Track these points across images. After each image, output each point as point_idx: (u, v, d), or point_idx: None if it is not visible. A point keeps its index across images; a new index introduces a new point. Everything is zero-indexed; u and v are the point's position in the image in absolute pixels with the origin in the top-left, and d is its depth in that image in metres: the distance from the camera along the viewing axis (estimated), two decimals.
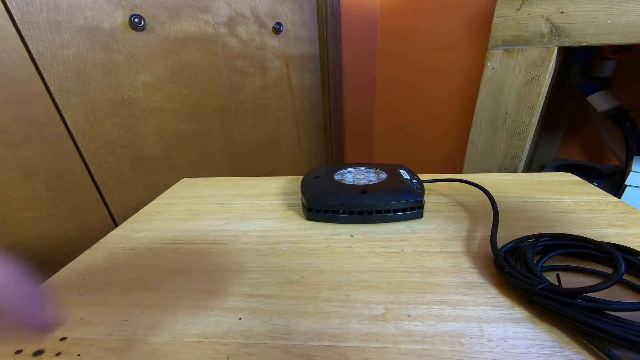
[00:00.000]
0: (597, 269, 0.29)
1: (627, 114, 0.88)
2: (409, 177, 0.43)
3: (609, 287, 0.22)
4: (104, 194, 0.81)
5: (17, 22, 0.61)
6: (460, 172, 1.09)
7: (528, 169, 1.06)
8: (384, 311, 0.26)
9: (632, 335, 0.20)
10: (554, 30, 0.67)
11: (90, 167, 0.77)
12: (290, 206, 0.45)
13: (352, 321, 0.25)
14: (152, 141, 0.87)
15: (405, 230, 0.38)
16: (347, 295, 0.28)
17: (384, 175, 0.44)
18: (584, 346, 0.22)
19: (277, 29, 1.03)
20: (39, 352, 0.23)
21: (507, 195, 0.45)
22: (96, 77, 0.73)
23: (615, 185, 0.86)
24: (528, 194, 0.46)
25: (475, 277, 0.29)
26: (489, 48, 0.74)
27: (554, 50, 0.69)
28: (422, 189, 0.41)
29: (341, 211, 0.39)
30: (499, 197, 0.45)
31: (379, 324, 0.25)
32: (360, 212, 0.39)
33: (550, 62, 0.70)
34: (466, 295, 0.27)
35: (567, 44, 0.67)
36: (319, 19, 1.13)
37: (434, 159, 1.41)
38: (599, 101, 0.89)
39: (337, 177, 0.44)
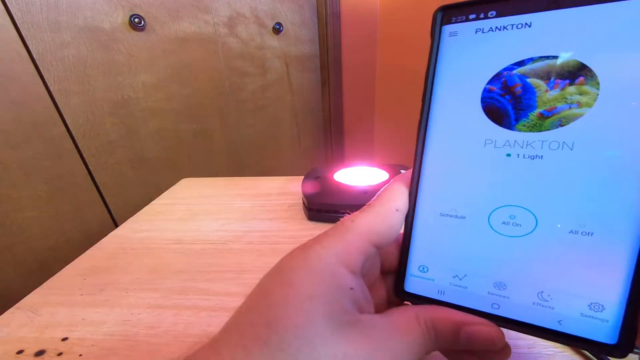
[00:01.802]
0: None
1: None
2: None
3: None
4: (104, 194, 0.81)
5: (17, 22, 0.61)
6: None
7: None
8: None
9: None
10: None
11: (90, 167, 0.77)
12: (291, 206, 0.45)
13: None
14: (152, 141, 0.87)
15: None
16: None
17: (384, 175, 0.44)
18: None
19: (277, 29, 1.03)
20: (40, 352, 0.23)
21: None
22: (96, 77, 0.73)
23: None
24: None
25: None
26: None
27: None
28: None
29: (342, 211, 0.39)
30: None
31: None
32: None
33: None
34: None
35: None
36: (319, 19, 1.13)
37: None
38: None
39: (337, 177, 0.44)
